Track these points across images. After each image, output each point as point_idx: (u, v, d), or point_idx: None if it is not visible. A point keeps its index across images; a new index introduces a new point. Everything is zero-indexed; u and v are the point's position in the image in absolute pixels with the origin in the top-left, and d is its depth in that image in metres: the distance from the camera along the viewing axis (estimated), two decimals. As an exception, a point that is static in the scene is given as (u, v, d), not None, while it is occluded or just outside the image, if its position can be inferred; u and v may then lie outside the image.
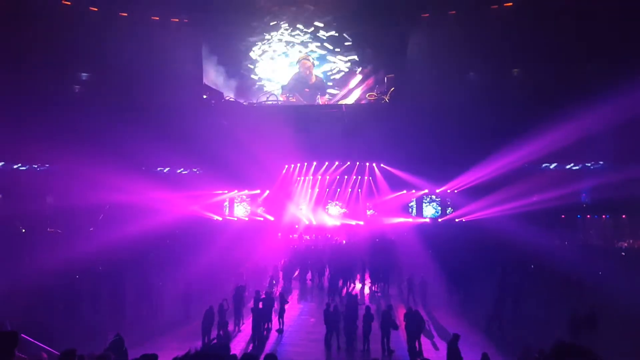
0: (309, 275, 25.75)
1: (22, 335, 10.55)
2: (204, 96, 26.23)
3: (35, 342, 11.42)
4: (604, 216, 41.41)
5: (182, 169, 43.51)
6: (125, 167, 42.34)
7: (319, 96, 24.97)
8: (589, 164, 38.20)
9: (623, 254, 31.56)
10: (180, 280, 21.51)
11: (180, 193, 40.01)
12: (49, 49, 33.78)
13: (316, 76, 24.72)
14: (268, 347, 15.38)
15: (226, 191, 45.00)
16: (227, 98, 25.40)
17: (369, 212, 45.41)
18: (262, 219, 44.65)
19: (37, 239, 33.71)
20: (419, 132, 34.49)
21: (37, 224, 37.64)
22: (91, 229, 38.48)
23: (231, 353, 11.39)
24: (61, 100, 35.99)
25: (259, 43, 26.01)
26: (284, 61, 25.16)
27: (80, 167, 34.33)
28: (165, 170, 43.65)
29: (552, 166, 39.33)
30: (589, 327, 15.32)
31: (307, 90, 24.98)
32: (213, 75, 26.34)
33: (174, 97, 32.40)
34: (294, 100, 25.10)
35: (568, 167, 39.02)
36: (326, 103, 25.19)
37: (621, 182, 32.74)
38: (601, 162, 37.72)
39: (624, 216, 39.72)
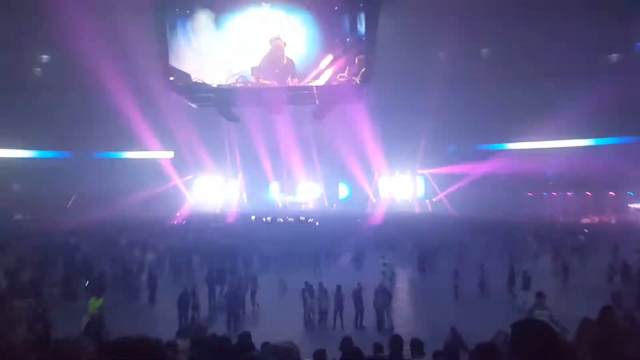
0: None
1: None
2: (171, 78, 25.62)
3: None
4: (569, 193, 42.71)
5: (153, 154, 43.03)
6: (90, 152, 41.78)
7: (289, 78, 24.80)
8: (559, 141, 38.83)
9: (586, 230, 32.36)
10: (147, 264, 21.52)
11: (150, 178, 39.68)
12: (7, 31, 32.53)
13: (287, 57, 24.48)
14: (244, 327, 15.45)
15: (197, 176, 44.76)
16: (195, 80, 24.91)
17: (341, 196, 45.69)
18: (236, 202, 44.62)
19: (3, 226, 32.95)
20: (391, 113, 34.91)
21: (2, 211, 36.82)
22: (60, 215, 37.82)
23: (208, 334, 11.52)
24: (22, 83, 34.96)
25: (228, 21, 25.50)
26: (254, 42, 24.78)
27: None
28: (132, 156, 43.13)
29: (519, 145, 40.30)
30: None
31: (278, 71, 24.73)
32: (181, 56, 25.74)
33: (139, 79, 31.70)
34: (266, 82, 24.84)
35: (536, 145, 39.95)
36: (297, 85, 25.02)
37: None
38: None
39: (588, 193, 41.05)
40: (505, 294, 18.42)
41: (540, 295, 11.99)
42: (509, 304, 17.20)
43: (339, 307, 15.87)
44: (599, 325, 5.52)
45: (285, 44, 24.28)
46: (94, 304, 14.66)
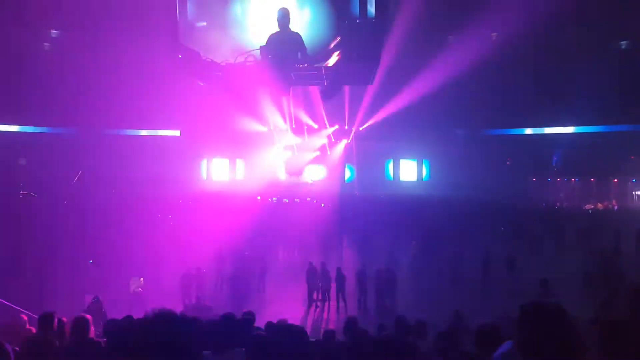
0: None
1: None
2: (179, 56, 25.34)
3: (13, 305, 11.30)
4: (573, 179, 42.83)
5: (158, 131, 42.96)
6: (97, 130, 41.73)
7: (298, 58, 24.46)
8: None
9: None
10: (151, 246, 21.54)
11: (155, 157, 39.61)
12: (15, 5, 32.34)
13: (295, 37, 24.14)
14: (248, 307, 15.55)
15: (204, 156, 44.72)
16: (204, 58, 24.62)
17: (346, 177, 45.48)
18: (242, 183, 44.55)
19: (10, 203, 33.07)
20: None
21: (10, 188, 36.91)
22: (64, 201, 37.86)
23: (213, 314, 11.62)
24: (31, 59, 34.88)
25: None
26: (262, 19, 24.41)
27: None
28: (142, 133, 43.06)
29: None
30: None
31: (285, 48, 24.38)
32: (190, 32, 25.42)
33: (147, 56, 31.48)
34: (274, 62, 24.48)
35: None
36: (305, 65, 24.71)
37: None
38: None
39: (592, 179, 41.20)
40: (501, 278, 18.15)
41: (544, 282, 11.97)
42: (510, 288, 17.13)
43: (340, 288, 16.03)
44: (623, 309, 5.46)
45: (290, 20, 23.90)
46: (135, 283, 14.91)
